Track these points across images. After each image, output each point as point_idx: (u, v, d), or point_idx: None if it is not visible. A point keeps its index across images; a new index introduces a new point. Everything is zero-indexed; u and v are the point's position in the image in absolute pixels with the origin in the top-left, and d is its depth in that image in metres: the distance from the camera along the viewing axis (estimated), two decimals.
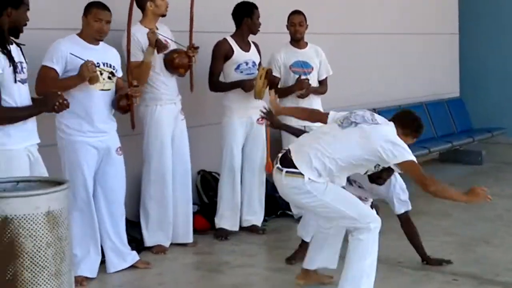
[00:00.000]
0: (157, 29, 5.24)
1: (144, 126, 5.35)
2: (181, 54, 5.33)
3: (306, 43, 6.25)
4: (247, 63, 5.86)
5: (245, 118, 5.86)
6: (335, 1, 7.95)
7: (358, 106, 8.00)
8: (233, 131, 5.83)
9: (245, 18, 5.83)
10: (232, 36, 5.88)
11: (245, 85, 5.72)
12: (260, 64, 5.98)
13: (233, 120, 5.83)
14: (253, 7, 5.86)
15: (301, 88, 6.04)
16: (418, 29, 9.29)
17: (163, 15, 5.33)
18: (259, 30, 5.90)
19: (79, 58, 4.50)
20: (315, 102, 6.18)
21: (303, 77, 6.08)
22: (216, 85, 5.83)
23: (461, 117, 9.63)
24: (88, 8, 4.68)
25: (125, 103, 4.76)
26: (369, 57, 8.43)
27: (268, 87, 5.83)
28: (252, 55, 5.92)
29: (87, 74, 4.46)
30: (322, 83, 6.30)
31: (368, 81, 8.41)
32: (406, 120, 4.32)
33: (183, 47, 5.38)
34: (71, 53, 4.54)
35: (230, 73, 5.85)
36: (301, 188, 4.04)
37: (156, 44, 5.11)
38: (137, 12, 5.23)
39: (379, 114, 8.69)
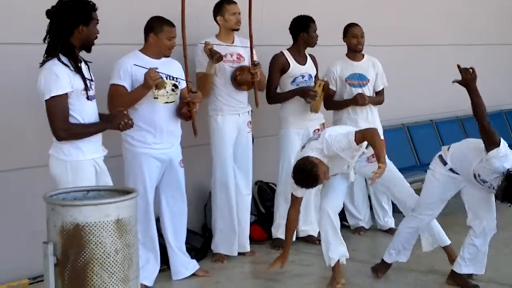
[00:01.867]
0: (233, 41, 5.42)
1: (210, 137, 5.49)
2: (244, 71, 5.44)
3: (363, 55, 6.28)
4: (303, 76, 5.93)
5: (302, 130, 5.93)
6: (393, 13, 7.94)
7: (416, 117, 8.10)
8: (291, 142, 5.90)
9: (302, 32, 5.91)
10: (288, 50, 5.96)
11: (305, 93, 5.79)
12: (316, 76, 6.05)
13: (289, 132, 5.91)
14: (310, 21, 5.93)
15: (357, 104, 6.08)
16: (478, 40, 9.20)
17: (235, 29, 5.46)
18: (316, 43, 5.97)
19: (142, 67, 4.62)
20: (373, 112, 6.23)
21: (359, 90, 6.11)
22: (275, 96, 5.92)
23: None
24: (158, 26, 4.78)
25: (186, 110, 4.87)
26: (425, 68, 8.39)
27: (323, 100, 5.92)
28: (308, 68, 5.99)
29: (151, 81, 4.58)
30: (379, 93, 6.32)
31: (427, 93, 8.37)
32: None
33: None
34: (134, 64, 4.67)
35: (286, 86, 5.93)
36: None
37: (211, 55, 5.22)
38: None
39: (436, 126, 8.71)
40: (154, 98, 4.76)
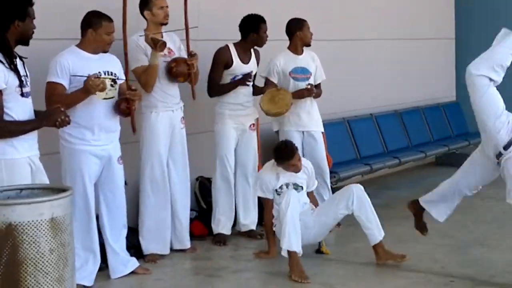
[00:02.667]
0: (162, 36, 5.31)
1: (140, 134, 5.40)
2: (179, 63, 5.36)
3: (303, 50, 6.32)
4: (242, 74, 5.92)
5: (237, 124, 5.93)
6: (331, 8, 8.01)
7: (354, 111, 8.19)
8: (226, 137, 5.90)
9: (252, 32, 5.89)
10: (235, 45, 5.93)
11: (243, 80, 5.81)
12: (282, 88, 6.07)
13: (225, 126, 5.90)
14: (260, 21, 5.91)
15: (303, 96, 6.12)
16: (414, 35, 9.35)
17: (163, 24, 5.37)
18: (265, 43, 5.96)
19: (81, 76, 4.55)
20: (313, 105, 6.28)
21: (302, 83, 6.14)
22: (216, 89, 5.88)
23: (457, 121, 9.68)
24: (97, 22, 4.69)
25: (125, 107, 4.81)
26: (365, 63, 8.49)
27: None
28: (251, 66, 5.97)
29: (93, 90, 4.51)
30: (317, 87, 6.37)
31: (364, 87, 8.47)
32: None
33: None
34: (72, 75, 4.59)
35: (224, 82, 5.91)
36: None
37: (153, 42, 5.14)
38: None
39: (376, 119, 8.83)
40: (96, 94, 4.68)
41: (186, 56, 5.45)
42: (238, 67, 5.88)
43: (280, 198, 5.17)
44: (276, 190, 5.33)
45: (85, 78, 4.52)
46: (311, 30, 6.26)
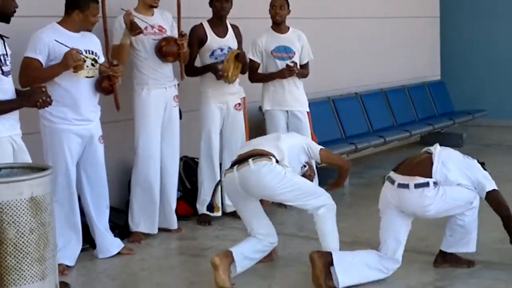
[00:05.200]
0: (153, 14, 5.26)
1: (133, 111, 5.35)
2: (170, 42, 5.32)
3: (288, 28, 6.25)
4: (222, 49, 5.84)
5: (221, 104, 5.88)
6: None
7: (339, 90, 8.17)
8: (210, 116, 5.85)
9: (210, 2, 5.84)
10: (208, 21, 5.87)
11: (211, 68, 5.73)
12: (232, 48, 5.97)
13: (209, 105, 5.84)
14: None
15: (284, 76, 6.06)
16: (399, 13, 9.32)
17: (152, 6, 5.30)
18: (223, 13, 5.82)
19: (65, 45, 4.48)
20: (298, 85, 6.22)
21: (287, 62, 6.08)
22: (190, 70, 5.82)
23: (442, 99, 9.70)
24: (84, 4, 4.62)
25: (107, 84, 4.75)
26: (350, 41, 8.46)
27: (240, 71, 5.84)
28: (229, 40, 5.90)
29: (71, 63, 4.45)
30: (304, 67, 6.32)
31: (349, 66, 8.44)
32: None
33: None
34: (56, 40, 4.52)
35: (205, 60, 5.86)
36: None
37: (131, 27, 5.08)
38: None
39: (361, 98, 8.80)
40: (74, 72, 4.61)
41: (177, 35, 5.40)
42: (214, 42, 5.82)
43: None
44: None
45: (67, 49, 4.45)
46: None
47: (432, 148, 4.58)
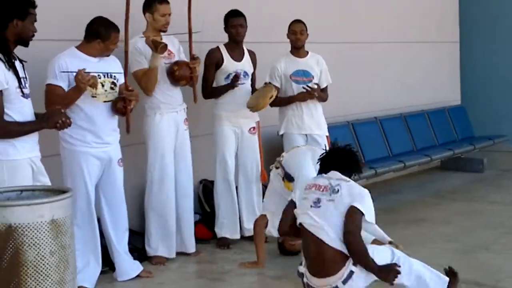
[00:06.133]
0: (161, 39, 5.26)
1: (145, 136, 5.37)
2: (182, 66, 5.34)
3: (307, 52, 6.27)
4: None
5: (235, 127, 5.89)
6: (336, 10, 7.99)
7: (358, 114, 8.16)
8: (224, 138, 5.86)
9: (225, 27, 5.88)
10: (225, 45, 5.91)
11: (231, 85, 5.76)
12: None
13: (223, 129, 5.86)
14: (229, 16, 5.87)
15: (305, 99, 6.08)
16: (419, 38, 9.32)
17: (162, 31, 5.33)
18: (239, 38, 5.87)
19: (69, 72, 4.54)
20: (317, 108, 6.22)
21: (307, 84, 6.08)
22: (209, 91, 5.86)
23: (463, 124, 9.65)
24: (105, 34, 4.66)
25: (121, 106, 4.78)
26: (370, 66, 8.46)
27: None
28: (244, 65, 5.94)
29: (82, 85, 4.48)
30: (323, 91, 6.32)
31: (369, 90, 8.43)
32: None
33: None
34: (61, 71, 4.56)
35: (219, 82, 5.89)
36: None
37: (154, 45, 5.11)
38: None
39: (380, 123, 8.77)
40: (92, 97, 4.66)
41: (185, 59, 5.44)
42: (230, 66, 5.85)
43: None
44: None
45: (74, 73, 4.49)
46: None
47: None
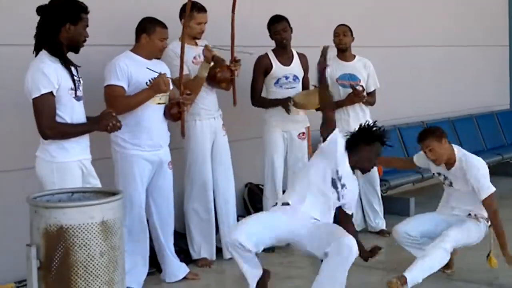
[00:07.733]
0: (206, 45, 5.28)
1: (184, 141, 5.39)
2: (223, 68, 5.36)
3: (354, 56, 6.25)
4: (287, 77, 5.85)
5: (284, 132, 5.89)
6: (383, 14, 7.94)
7: (406, 118, 8.09)
8: (274, 143, 5.85)
9: (270, 33, 5.87)
10: (273, 50, 5.90)
11: (282, 105, 5.73)
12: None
13: (272, 133, 5.86)
14: (271, 21, 5.84)
15: (353, 102, 6.05)
16: (468, 41, 9.21)
17: (195, 38, 5.34)
18: (283, 42, 5.82)
19: (154, 71, 4.63)
20: (365, 112, 6.20)
21: (349, 91, 6.06)
22: (258, 101, 5.88)
23: (511, 129, 9.48)
24: (150, 27, 4.74)
25: (176, 111, 4.83)
26: (417, 69, 8.39)
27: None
28: (294, 69, 5.91)
29: (163, 87, 4.57)
30: (371, 95, 6.30)
31: (417, 94, 8.36)
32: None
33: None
34: (147, 68, 4.66)
35: (270, 88, 5.89)
36: None
37: (213, 60, 5.18)
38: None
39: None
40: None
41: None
42: (279, 71, 5.84)
43: None
44: None
45: (144, 76, 4.58)
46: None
47: None
